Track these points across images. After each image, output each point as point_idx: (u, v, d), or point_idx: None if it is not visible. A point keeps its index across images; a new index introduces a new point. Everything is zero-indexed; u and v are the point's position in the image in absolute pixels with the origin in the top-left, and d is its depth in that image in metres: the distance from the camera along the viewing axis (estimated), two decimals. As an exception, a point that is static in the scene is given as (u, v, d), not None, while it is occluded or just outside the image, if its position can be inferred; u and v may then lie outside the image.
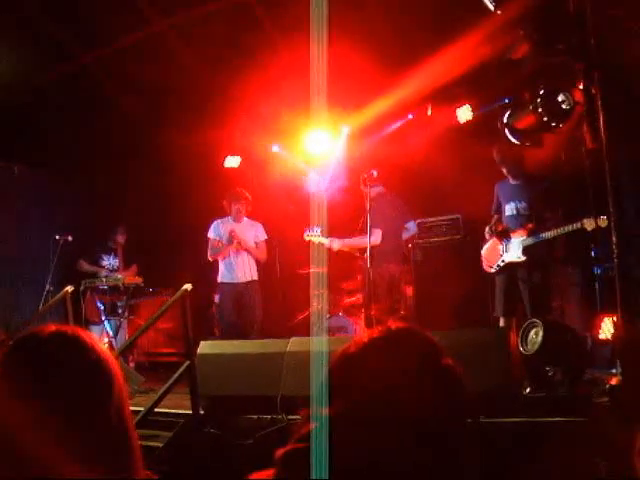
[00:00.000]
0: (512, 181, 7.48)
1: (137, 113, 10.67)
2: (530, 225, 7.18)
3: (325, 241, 8.69)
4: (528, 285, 7.13)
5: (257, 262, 9.25)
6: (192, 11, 9.26)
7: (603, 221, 6.25)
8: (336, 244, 8.74)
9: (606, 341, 7.07)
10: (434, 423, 1.45)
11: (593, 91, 5.91)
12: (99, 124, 10.39)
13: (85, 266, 10.17)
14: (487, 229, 7.63)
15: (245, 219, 9.30)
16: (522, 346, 6.39)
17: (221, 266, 9.07)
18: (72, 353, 1.62)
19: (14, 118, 9.87)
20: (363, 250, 8.37)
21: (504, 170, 7.47)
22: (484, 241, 7.68)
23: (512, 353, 5.71)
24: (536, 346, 6.31)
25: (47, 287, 9.24)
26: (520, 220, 7.33)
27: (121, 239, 10.23)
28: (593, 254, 7.60)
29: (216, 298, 9.90)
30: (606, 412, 4.94)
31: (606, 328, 7.13)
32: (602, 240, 6.70)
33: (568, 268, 8.15)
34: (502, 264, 7.37)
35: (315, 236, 8.65)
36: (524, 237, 7.16)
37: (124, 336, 9.44)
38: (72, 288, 7.68)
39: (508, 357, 5.60)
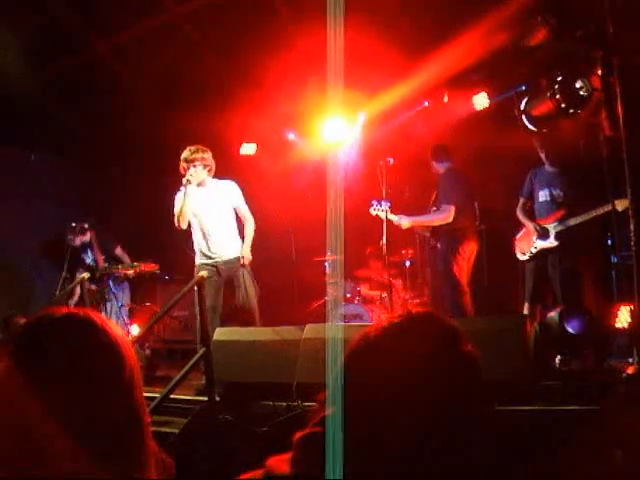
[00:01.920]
0: (548, 167, 7.52)
1: (152, 100, 10.67)
2: (562, 211, 7.23)
3: (394, 218, 8.20)
4: (558, 270, 7.18)
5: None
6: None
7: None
8: (405, 221, 8.23)
9: (623, 330, 7.04)
10: (450, 407, 1.45)
11: (611, 78, 5.86)
12: (115, 112, 10.41)
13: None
14: (519, 212, 7.70)
15: (212, 181, 7.68)
16: (540, 333, 6.37)
17: None
18: (84, 334, 1.62)
19: (29, 106, 9.90)
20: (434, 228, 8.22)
21: (542, 155, 7.49)
22: (516, 228, 7.72)
23: (529, 341, 5.69)
24: (557, 333, 6.31)
25: (63, 274, 9.26)
26: (553, 207, 7.42)
27: (81, 238, 9.90)
28: (610, 243, 7.59)
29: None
30: (623, 401, 4.91)
31: (623, 317, 7.10)
32: (619, 229, 6.67)
33: (585, 256, 8.13)
34: (534, 251, 7.43)
35: (383, 211, 8.17)
36: (556, 223, 7.22)
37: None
38: (88, 275, 7.71)
39: (525, 345, 5.57)
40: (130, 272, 9.32)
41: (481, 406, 1.52)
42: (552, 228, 7.30)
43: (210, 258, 7.50)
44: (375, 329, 1.55)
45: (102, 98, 10.37)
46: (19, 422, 1.49)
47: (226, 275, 7.45)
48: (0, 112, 9.26)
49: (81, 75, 10.19)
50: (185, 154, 7.44)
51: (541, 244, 7.39)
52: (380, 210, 8.19)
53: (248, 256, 7.50)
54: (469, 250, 7.90)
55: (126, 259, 9.77)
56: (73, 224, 9.63)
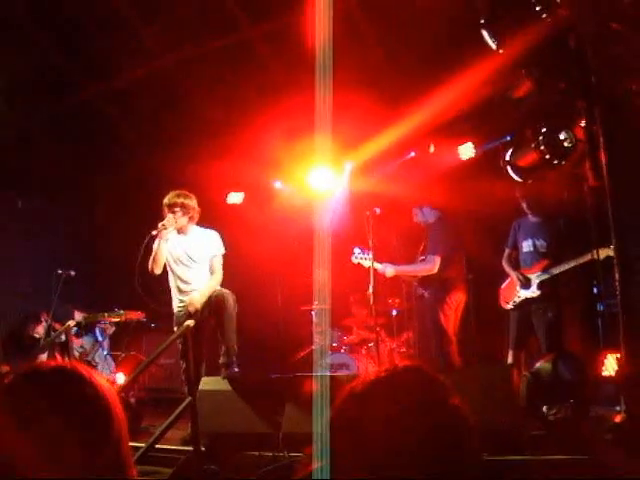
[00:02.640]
0: (532, 218, 7.65)
1: (140, 147, 10.73)
2: (546, 261, 7.32)
3: (379, 266, 8.17)
4: (543, 319, 7.25)
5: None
6: (196, 48, 9.35)
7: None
8: (390, 270, 8.24)
9: (609, 378, 7.04)
10: (437, 462, 1.44)
11: (594, 128, 5.94)
12: (102, 157, 10.46)
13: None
14: (504, 263, 7.77)
15: (194, 228, 7.51)
16: (532, 382, 6.38)
17: None
18: (72, 388, 1.63)
19: (17, 151, 9.95)
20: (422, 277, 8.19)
21: (524, 206, 7.58)
22: (502, 277, 7.77)
23: (515, 390, 5.69)
24: (544, 373, 6.31)
25: (49, 321, 9.20)
26: (537, 257, 7.55)
27: (37, 330, 9.83)
28: (595, 291, 7.65)
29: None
30: (611, 450, 4.90)
31: (609, 365, 7.12)
32: (605, 277, 6.72)
33: (570, 305, 8.18)
34: (518, 300, 7.51)
35: (366, 259, 8.17)
36: (539, 273, 7.30)
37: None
38: (74, 322, 7.67)
39: (511, 394, 5.57)
40: (116, 320, 9.28)
41: (469, 458, 1.51)
42: (535, 278, 7.41)
43: (184, 304, 7.31)
44: (362, 384, 1.55)
45: (89, 143, 10.44)
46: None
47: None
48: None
49: (69, 120, 10.26)
50: (166, 199, 7.31)
51: (524, 294, 7.49)
52: (363, 259, 8.22)
53: (196, 305, 7.13)
54: (456, 300, 7.93)
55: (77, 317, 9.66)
56: (59, 271, 9.56)
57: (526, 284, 7.46)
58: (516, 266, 7.72)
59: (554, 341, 7.19)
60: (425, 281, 8.14)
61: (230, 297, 7.09)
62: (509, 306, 7.68)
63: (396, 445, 1.42)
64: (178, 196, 7.30)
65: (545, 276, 7.33)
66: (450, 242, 8.10)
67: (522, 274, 7.52)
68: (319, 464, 1.45)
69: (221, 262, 7.41)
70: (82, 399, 1.62)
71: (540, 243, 7.53)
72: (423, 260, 8.12)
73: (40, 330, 9.75)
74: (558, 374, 6.33)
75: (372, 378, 1.55)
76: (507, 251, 7.89)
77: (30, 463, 1.48)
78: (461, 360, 7.78)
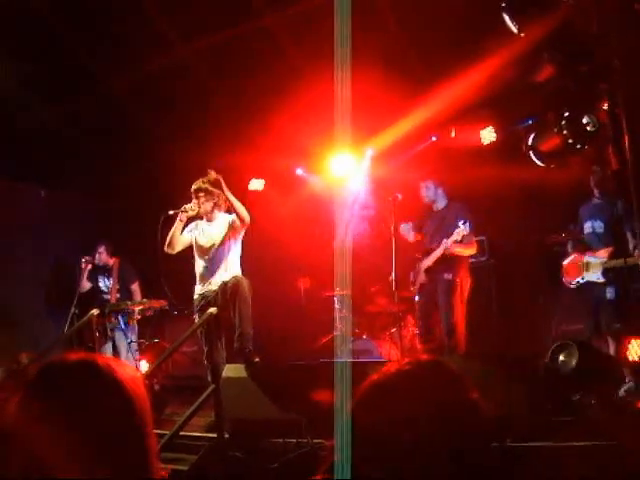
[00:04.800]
0: (595, 200, 7.54)
1: (163, 136, 10.76)
2: (612, 247, 7.24)
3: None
4: (604, 303, 7.20)
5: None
6: (215, 37, 9.35)
7: None
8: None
9: (634, 363, 7.00)
10: (456, 455, 1.46)
11: (617, 112, 5.89)
12: (127, 147, 10.50)
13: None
14: (569, 243, 7.70)
15: (220, 215, 7.48)
16: (551, 366, 6.35)
17: None
18: (94, 381, 1.64)
19: (43, 142, 10.01)
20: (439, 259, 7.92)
21: (592, 185, 7.47)
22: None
23: (538, 377, 5.67)
24: (568, 369, 6.28)
25: (72, 310, 9.23)
26: (598, 238, 7.44)
27: (107, 260, 9.85)
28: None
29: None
30: (636, 436, 4.87)
31: (634, 350, 7.07)
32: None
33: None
34: (582, 281, 7.41)
35: (409, 233, 8.11)
36: (605, 259, 7.23)
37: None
38: (97, 311, 7.71)
39: (533, 382, 5.56)
40: (139, 308, 9.31)
41: (486, 453, 1.53)
42: (601, 264, 7.28)
43: (207, 291, 7.31)
44: (384, 375, 1.56)
45: (114, 134, 10.50)
46: (28, 455, 1.51)
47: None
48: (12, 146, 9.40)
49: (93, 111, 10.32)
50: (193, 185, 7.37)
51: (588, 277, 7.39)
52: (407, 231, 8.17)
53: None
54: (467, 282, 7.88)
55: (138, 296, 9.75)
56: (83, 259, 9.62)
57: (591, 268, 7.36)
58: (582, 248, 7.63)
59: (613, 324, 7.09)
60: (441, 263, 7.95)
61: (245, 282, 7.07)
62: (572, 285, 7.60)
63: (416, 438, 1.43)
64: (203, 182, 7.32)
65: (611, 264, 7.16)
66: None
67: (586, 257, 7.44)
68: (340, 455, 1.46)
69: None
70: (105, 392, 1.63)
71: (598, 224, 7.45)
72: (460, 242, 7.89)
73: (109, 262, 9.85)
74: (579, 363, 6.30)
75: (394, 370, 1.56)
76: (574, 230, 7.82)
77: (55, 461, 1.49)
78: (467, 343, 7.70)
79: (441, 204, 8.16)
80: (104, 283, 9.88)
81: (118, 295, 9.67)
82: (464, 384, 1.55)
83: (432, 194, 8.18)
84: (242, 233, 7.39)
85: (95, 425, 1.57)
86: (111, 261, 9.84)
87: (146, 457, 1.64)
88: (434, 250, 7.93)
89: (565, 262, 7.72)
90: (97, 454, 1.54)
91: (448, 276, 7.85)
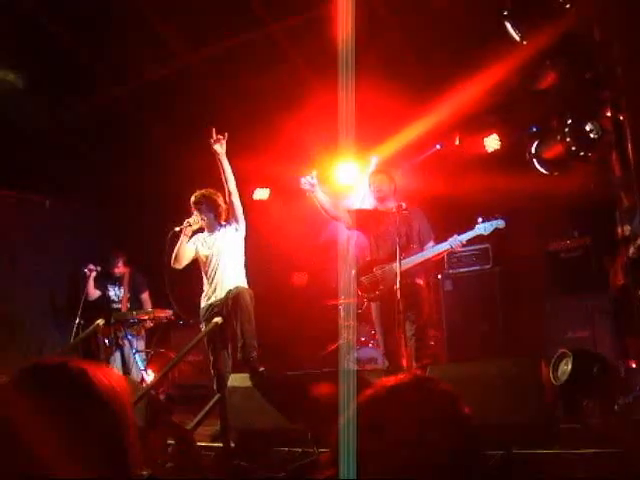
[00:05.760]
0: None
1: (167, 144, 10.79)
2: None
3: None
4: None
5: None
6: (219, 44, 9.37)
7: None
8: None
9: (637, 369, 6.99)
10: (451, 469, 1.49)
11: (621, 119, 5.90)
12: (130, 156, 10.53)
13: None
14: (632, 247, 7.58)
15: (220, 225, 7.43)
16: (553, 376, 6.34)
17: None
18: (66, 384, 1.66)
19: (47, 152, 10.04)
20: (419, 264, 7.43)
21: None
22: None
23: (544, 383, 5.65)
24: (565, 376, 6.27)
25: (77, 320, 9.25)
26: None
27: (122, 269, 9.97)
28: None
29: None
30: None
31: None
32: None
33: (599, 294, 8.06)
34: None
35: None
36: None
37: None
38: (103, 321, 7.72)
39: (540, 387, 5.54)
40: (145, 318, 9.33)
41: (477, 466, 1.57)
42: None
43: (213, 301, 7.28)
44: (383, 389, 1.60)
45: (117, 142, 10.52)
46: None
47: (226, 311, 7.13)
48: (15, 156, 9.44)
49: (97, 120, 10.36)
50: (192, 197, 7.35)
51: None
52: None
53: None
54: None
55: (148, 306, 9.77)
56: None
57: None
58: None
59: None
60: (420, 269, 7.42)
61: (246, 292, 7.09)
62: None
63: (408, 452, 1.46)
64: (202, 195, 7.32)
65: None
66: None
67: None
68: (344, 464, 1.48)
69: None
70: (75, 395, 1.66)
71: (626, 227, 7.33)
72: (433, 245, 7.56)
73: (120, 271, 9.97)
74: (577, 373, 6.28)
75: (389, 384, 1.59)
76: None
77: (42, 461, 1.51)
78: (486, 351, 7.63)
79: (391, 204, 7.42)
80: (114, 292, 9.93)
81: (129, 304, 9.72)
82: (455, 400, 1.58)
83: (387, 189, 7.58)
84: (243, 241, 7.39)
85: (67, 427, 1.59)
86: (123, 270, 9.90)
87: (122, 461, 1.66)
88: (411, 253, 7.32)
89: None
90: (69, 455, 1.56)
91: (419, 281, 7.37)
